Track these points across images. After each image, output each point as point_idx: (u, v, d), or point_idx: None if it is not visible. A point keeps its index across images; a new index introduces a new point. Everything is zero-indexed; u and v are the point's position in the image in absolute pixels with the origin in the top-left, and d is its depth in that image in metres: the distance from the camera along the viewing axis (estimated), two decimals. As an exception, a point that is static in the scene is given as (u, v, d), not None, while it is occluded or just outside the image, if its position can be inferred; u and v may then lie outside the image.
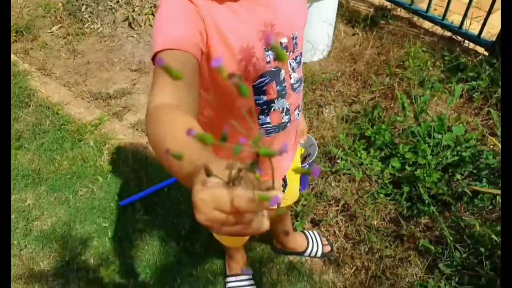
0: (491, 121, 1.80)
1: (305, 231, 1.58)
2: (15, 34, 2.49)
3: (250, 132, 0.33)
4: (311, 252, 1.54)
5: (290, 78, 0.84)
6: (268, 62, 0.78)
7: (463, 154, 1.64)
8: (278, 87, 0.82)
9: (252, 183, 0.33)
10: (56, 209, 1.73)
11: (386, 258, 1.51)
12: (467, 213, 1.58)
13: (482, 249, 1.45)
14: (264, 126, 0.86)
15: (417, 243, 1.52)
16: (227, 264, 1.52)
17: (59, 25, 2.57)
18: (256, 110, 0.82)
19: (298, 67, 0.86)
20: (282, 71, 0.81)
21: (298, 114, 0.93)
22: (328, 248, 1.55)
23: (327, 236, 1.59)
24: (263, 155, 0.32)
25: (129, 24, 2.50)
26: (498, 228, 1.44)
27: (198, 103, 0.59)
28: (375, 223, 1.59)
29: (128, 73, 2.29)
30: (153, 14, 2.50)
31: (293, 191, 1.27)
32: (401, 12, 2.36)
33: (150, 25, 2.49)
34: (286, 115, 0.88)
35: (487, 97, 1.90)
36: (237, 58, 0.74)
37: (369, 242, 1.54)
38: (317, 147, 1.59)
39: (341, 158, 1.76)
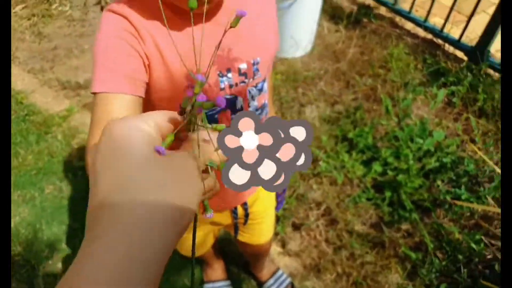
0: (470, 128, 1.82)
1: (279, 270, 1.49)
2: (-27, 12, 2.28)
3: None
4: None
5: (249, 106, 0.76)
6: (222, 89, 0.71)
7: (444, 160, 1.66)
8: (233, 116, 0.76)
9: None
10: (20, 208, 1.60)
11: (367, 265, 1.50)
12: (446, 219, 1.59)
13: (460, 256, 1.47)
14: None
15: (397, 249, 1.52)
16: (205, 271, 1.47)
17: (23, 4, 2.38)
18: None
19: (259, 94, 0.78)
20: (240, 99, 0.74)
21: None
22: None
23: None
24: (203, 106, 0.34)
25: (102, 9, 2.34)
26: (477, 236, 1.46)
27: None
28: (356, 228, 1.58)
29: (99, 61, 2.15)
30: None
31: (266, 228, 1.18)
32: (383, 11, 2.34)
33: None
34: None
35: (466, 103, 1.92)
36: (182, 84, 0.67)
37: (350, 248, 1.53)
38: None
39: (323, 160, 1.73)
